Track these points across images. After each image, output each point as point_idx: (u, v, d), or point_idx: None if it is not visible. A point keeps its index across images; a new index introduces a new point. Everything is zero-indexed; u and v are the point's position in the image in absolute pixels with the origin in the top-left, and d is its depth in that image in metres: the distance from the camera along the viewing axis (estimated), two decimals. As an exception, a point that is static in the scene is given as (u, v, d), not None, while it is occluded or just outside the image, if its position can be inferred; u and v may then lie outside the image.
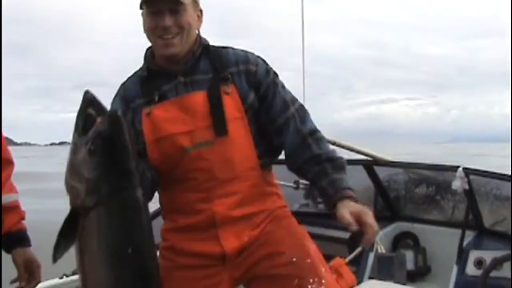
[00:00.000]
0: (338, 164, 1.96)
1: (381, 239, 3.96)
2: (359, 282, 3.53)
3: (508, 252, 3.26)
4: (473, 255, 3.56)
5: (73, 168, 1.51)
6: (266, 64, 2.03)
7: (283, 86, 2.05)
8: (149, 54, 1.99)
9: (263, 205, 1.99)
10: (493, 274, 3.19)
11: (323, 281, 1.91)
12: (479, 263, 3.50)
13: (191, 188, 1.92)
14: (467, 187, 3.65)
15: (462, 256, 3.56)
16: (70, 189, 1.52)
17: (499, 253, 3.36)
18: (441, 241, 3.94)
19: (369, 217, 1.77)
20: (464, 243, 3.62)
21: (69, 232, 1.53)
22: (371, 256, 3.83)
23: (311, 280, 1.90)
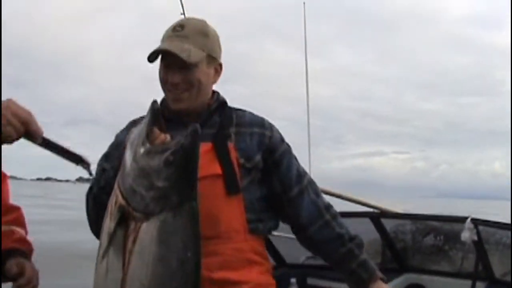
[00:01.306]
0: (360, 243, 1.97)
1: (390, 293, 3.89)
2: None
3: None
4: None
5: (142, 174, 1.52)
6: (280, 133, 2.01)
7: (296, 158, 2.03)
8: (164, 101, 1.95)
9: (247, 275, 1.89)
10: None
11: None
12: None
13: None
14: (476, 238, 3.60)
15: None
16: (132, 192, 1.52)
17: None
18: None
19: None
20: None
21: (117, 232, 1.53)
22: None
23: None
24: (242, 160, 1.88)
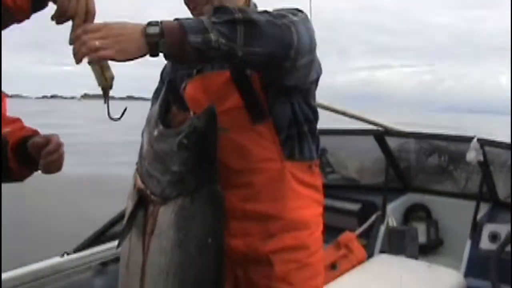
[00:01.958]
0: None
1: (392, 212, 3.89)
2: (370, 256, 3.46)
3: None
4: (488, 228, 3.47)
5: (157, 158, 1.46)
6: None
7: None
8: None
9: (282, 208, 1.79)
10: (508, 248, 3.11)
11: None
12: (493, 237, 3.42)
13: None
14: (481, 158, 3.53)
15: (476, 230, 3.48)
16: (148, 176, 1.47)
17: (514, 227, 3.29)
18: (454, 214, 3.87)
19: None
20: (478, 216, 3.53)
21: (135, 218, 1.49)
22: (382, 230, 3.75)
23: None
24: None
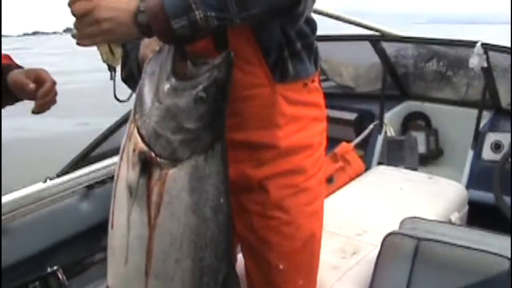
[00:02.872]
0: None
1: (389, 121, 3.75)
2: (367, 168, 3.35)
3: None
4: (490, 138, 3.35)
5: (168, 115, 1.30)
6: None
7: None
8: None
9: (274, 136, 1.63)
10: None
11: None
12: (496, 146, 3.30)
13: None
14: (485, 64, 3.35)
15: (478, 139, 3.35)
16: (156, 136, 1.30)
17: (517, 136, 3.17)
18: (455, 122, 3.72)
19: None
20: (481, 125, 3.39)
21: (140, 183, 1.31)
22: (380, 140, 3.63)
23: None
24: None
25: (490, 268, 1.81)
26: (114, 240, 1.36)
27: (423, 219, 2.10)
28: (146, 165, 1.30)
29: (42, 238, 2.54)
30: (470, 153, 3.36)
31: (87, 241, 2.78)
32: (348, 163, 3.24)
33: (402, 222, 2.09)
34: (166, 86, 1.30)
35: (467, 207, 2.89)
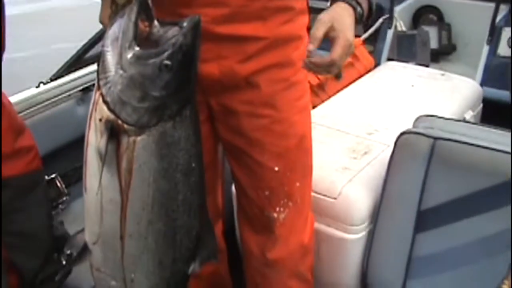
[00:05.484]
0: None
1: (400, 14, 3.56)
2: (377, 64, 3.19)
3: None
4: (507, 33, 3.15)
5: (132, 83, 1.24)
6: None
7: None
8: None
9: (262, 28, 1.52)
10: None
11: (290, 204, 1.72)
12: (514, 42, 3.12)
13: None
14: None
15: (494, 34, 3.17)
16: (121, 104, 1.25)
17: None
18: (469, 16, 3.53)
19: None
20: (497, 19, 3.19)
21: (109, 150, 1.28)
22: (390, 34, 3.45)
23: (281, 202, 1.71)
24: None
25: (512, 169, 1.72)
26: (88, 203, 1.36)
27: (439, 117, 1.98)
28: (113, 132, 1.26)
29: (38, 145, 2.44)
30: (485, 49, 3.19)
31: (86, 147, 2.69)
32: (357, 59, 3.07)
33: (416, 120, 1.97)
34: (129, 55, 1.23)
35: (481, 105, 2.77)
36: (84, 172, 1.33)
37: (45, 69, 2.73)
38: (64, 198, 2.43)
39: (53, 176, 2.40)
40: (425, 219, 1.83)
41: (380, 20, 3.51)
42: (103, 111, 1.25)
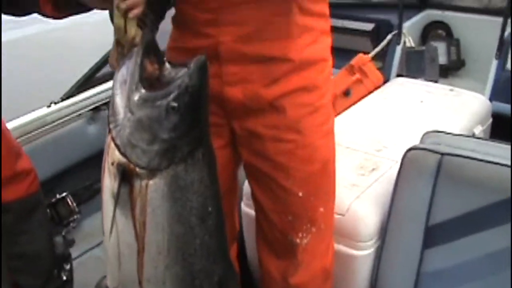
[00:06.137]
0: None
1: (408, 31, 3.57)
2: (386, 80, 3.19)
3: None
4: None
5: (141, 126, 1.24)
6: None
7: None
8: None
9: (288, 48, 1.52)
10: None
11: (313, 229, 1.70)
12: (522, 56, 3.11)
13: (195, 4, 1.49)
14: (510, -33, 3.14)
15: (502, 49, 3.16)
16: (131, 147, 1.25)
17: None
18: (477, 31, 3.53)
19: None
20: (505, 34, 3.19)
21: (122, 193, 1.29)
22: (398, 50, 3.46)
23: (304, 227, 1.70)
24: None
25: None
26: (107, 247, 1.36)
27: (446, 133, 1.99)
28: (126, 176, 1.26)
29: (49, 164, 2.47)
30: (494, 64, 3.18)
31: (96, 165, 2.69)
32: (366, 75, 3.08)
33: (423, 136, 1.97)
34: (136, 97, 1.23)
35: (490, 120, 2.76)
36: (102, 216, 1.33)
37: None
38: (75, 217, 2.44)
39: (64, 194, 2.42)
40: (433, 235, 1.82)
41: (389, 36, 3.52)
42: (114, 155, 1.25)
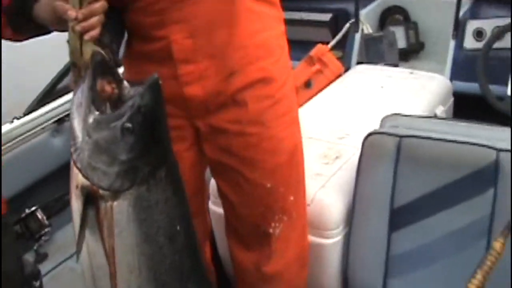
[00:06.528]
0: None
1: (366, 18, 3.58)
2: (347, 69, 3.22)
3: (509, 19, 2.92)
4: (472, 25, 3.18)
5: (98, 148, 1.24)
6: None
7: None
8: None
9: (240, 35, 1.52)
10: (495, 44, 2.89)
11: (285, 218, 1.72)
12: (478, 34, 3.15)
13: (141, 9, 1.49)
14: None
15: (459, 28, 3.20)
16: (92, 171, 1.24)
17: (499, 21, 3.03)
18: (434, 13, 3.55)
19: None
20: (461, 13, 3.23)
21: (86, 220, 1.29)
22: (357, 38, 3.46)
23: (276, 217, 1.71)
24: None
25: (478, 160, 1.74)
26: (83, 269, 1.36)
27: (404, 115, 2.02)
28: (91, 198, 1.26)
29: (17, 179, 2.45)
30: (452, 44, 3.21)
31: (65, 176, 2.69)
32: (326, 66, 3.09)
33: (382, 120, 2.01)
34: (90, 120, 1.23)
35: (452, 99, 2.80)
36: (76, 239, 1.33)
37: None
38: (46, 230, 2.44)
39: (33, 208, 2.42)
40: (399, 217, 1.85)
41: (347, 25, 3.54)
42: (77, 178, 1.25)
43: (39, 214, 2.42)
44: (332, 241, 1.93)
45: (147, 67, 1.52)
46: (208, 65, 1.53)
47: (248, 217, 1.73)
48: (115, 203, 1.27)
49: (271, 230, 1.73)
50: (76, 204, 1.28)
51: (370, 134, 1.88)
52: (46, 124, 2.62)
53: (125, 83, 1.27)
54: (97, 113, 1.23)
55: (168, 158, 1.33)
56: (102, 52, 1.28)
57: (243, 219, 1.75)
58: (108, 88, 1.25)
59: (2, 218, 1.62)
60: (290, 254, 1.80)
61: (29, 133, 2.56)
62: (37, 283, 1.66)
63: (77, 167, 1.24)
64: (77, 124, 1.24)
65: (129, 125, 1.23)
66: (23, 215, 2.36)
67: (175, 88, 1.53)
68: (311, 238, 1.90)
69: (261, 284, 1.82)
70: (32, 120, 2.58)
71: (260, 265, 1.79)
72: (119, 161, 1.25)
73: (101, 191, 1.25)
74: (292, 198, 1.72)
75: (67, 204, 2.61)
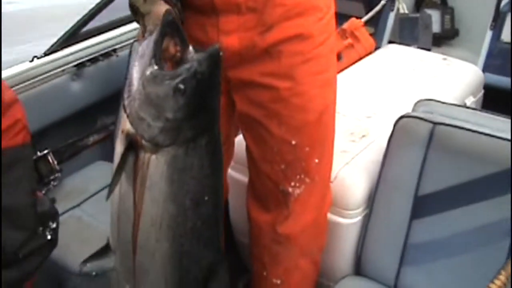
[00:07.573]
0: None
1: (402, -4, 3.49)
2: (378, 46, 3.14)
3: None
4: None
5: (148, 101, 1.28)
6: None
7: None
8: None
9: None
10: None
11: (307, 179, 1.69)
12: (517, 28, 3.05)
13: None
14: None
15: (498, 19, 3.10)
16: (138, 119, 1.29)
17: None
18: (473, 1, 3.46)
19: None
20: (502, 4, 3.13)
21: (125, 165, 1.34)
22: (392, 17, 3.39)
23: (297, 177, 1.68)
24: None
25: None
26: (111, 206, 1.41)
27: (440, 101, 1.94)
28: (132, 145, 1.31)
29: (31, 120, 2.37)
30: (488, 34, 3.12)
31: (79, 123, 2.65)
32: (358, 40, 3.02)
33: (416, 104, 1.93)
34: (148, 72, 1.27)
35: (482, 91, 2.73)
36: (111, 179, 1.36)
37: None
38: (56, 175, 2.40)
39: (45, 152, 2.37)
40: (422, 206, 1.79)
41: (383, 1, 3.45)
42: (125, 124, 1.31)
43: (50, 158, 2.38)
44: (350, 221, 1.88)
45: (193, 18, 1.54)
46: (248, 18, 1.52)
47: (269, 174, 1.70)
48: (153, 156, 1.30)
49: (290, 190, 1.69)
50: (119, 147, 1.33)
51: (403, 117, 1.81)
52: (66, 67, 2.56)
53: (190, 48, 1.30)
54: (156, 67, 1.26)
55: (213, 127, 1.35)
56: (173, 11, 1.35)
57: (263, 176, 1.72)
58: (172, 49, 1.29)
59: (17, 150, 1.56)
60: (308, 218, 1.76)
61: (47, 74, 2.50)
62: (54, 225, 1.61)
63: (126, 113, 1.29)
64: (135, 72, 1.28)
65: (182, 86, 1.26)
66: (34, 157, 2.29)
67: (213, 36, 1.54)
68: (329, 216, 1.85)
69: (274, 245, 1.79)
70: (52, 61, 2.52)
71: (275, 225, 1.76)
72: (165, 118, 1.28)
73: (143, 141, 1.29)
74: (316, 160, 1.68)
75: (79, 150, 2.59)
